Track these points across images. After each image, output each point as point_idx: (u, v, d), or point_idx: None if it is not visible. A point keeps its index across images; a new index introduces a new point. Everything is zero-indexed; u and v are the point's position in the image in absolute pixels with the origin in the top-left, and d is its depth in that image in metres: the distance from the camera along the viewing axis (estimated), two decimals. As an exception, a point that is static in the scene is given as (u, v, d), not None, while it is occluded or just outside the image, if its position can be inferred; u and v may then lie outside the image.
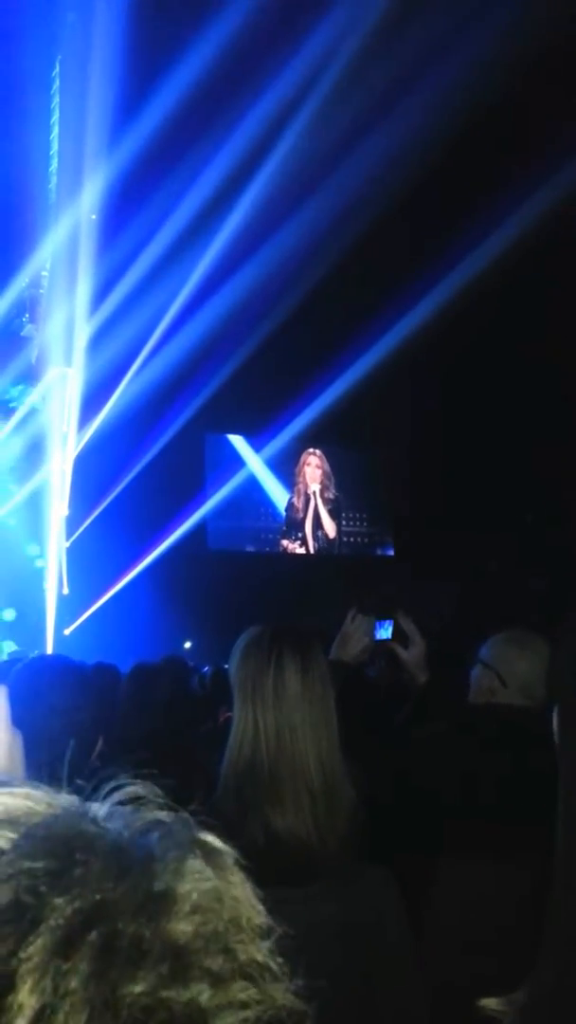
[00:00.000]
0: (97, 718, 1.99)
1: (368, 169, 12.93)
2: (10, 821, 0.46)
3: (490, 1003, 0.86)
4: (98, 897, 0.41)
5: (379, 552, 19.40)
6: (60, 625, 12.70)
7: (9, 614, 12.43)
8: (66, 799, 0.50)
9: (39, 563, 12.75)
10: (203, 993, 0.41)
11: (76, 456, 13.31)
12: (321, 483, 18.76)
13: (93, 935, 0.40)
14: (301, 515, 18.58)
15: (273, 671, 1.66)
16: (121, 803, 0.51)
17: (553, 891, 0.86)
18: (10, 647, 11.64)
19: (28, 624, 12.43)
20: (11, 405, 12.90)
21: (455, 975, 1.67)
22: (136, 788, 0.53)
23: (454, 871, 2.12)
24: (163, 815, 0.50)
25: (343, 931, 1.50)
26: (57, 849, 0.44)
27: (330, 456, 18.94)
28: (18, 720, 1.03)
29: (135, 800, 0.52)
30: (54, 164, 12.81)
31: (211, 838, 0.49)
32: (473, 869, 2.10)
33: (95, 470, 13.84)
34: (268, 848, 1.51)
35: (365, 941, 1.51)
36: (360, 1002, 1.46)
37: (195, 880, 0.45)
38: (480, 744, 2.28)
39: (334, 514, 18.87)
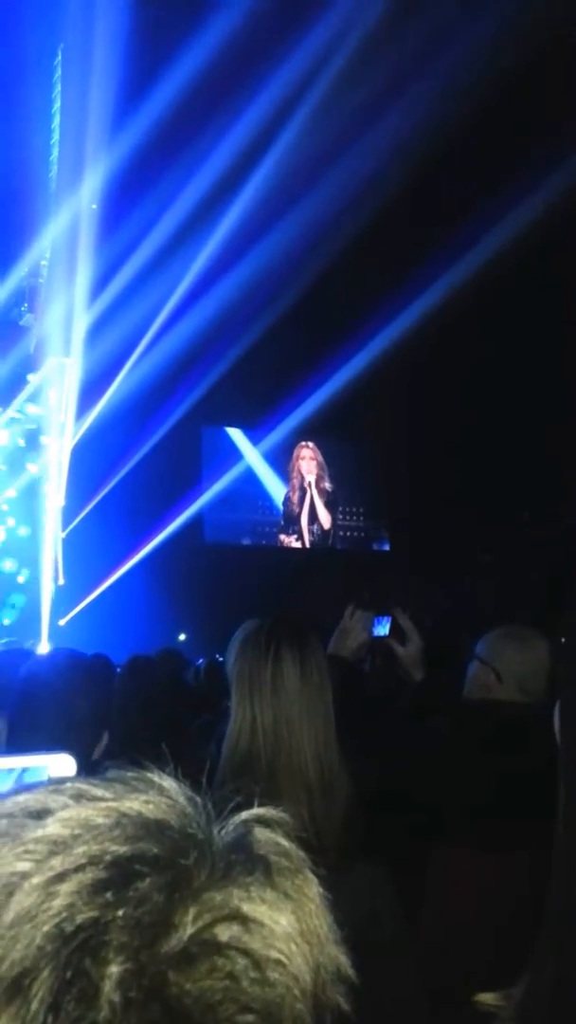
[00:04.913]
0: (100, 712, 1.99)
1: (366, 164, 12.89)
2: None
3: (486, 998, 0.86)
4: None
5: (375, 547, 19.39)
6: (55, 615, 12.68)
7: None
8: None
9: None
10: None
11: (73, 446, 13.28)
12: (316, 474, 18.73)
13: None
14: (297, 509, 18.56)
15: (271, 664, 1.66)
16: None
17: (551, 886, 0.86)
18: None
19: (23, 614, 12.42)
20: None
21: (452, 970, 1.67)
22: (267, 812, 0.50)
23: (452, 866, 2.13)
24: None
25: (339, 926, 1.49)
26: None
27: (327, 450, 18.90)
28: (37, 712, 1.02)
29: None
30: (55, 153, 12.75)
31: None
32: (471, 864, 2.10)
33: (92, 460, 13.81)
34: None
35: (361, 936, 1.51)
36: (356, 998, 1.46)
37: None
38: (478, 740, 2.28)
39: (330, 506, 18.84)
